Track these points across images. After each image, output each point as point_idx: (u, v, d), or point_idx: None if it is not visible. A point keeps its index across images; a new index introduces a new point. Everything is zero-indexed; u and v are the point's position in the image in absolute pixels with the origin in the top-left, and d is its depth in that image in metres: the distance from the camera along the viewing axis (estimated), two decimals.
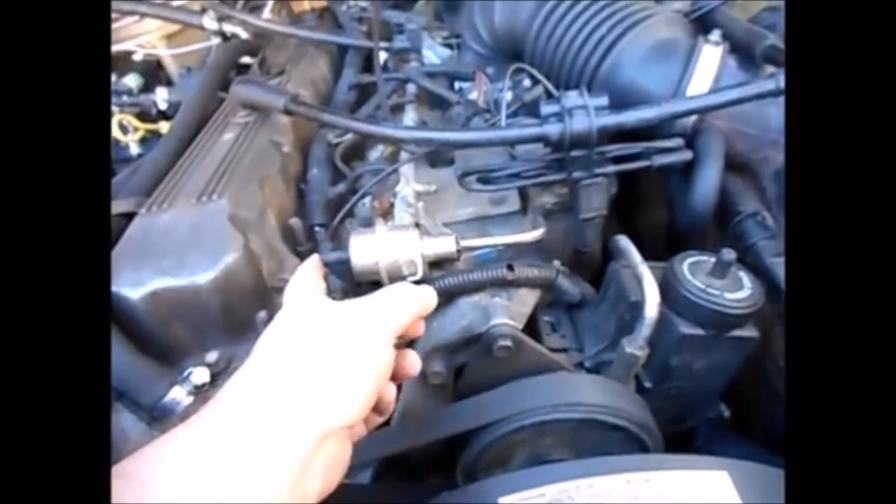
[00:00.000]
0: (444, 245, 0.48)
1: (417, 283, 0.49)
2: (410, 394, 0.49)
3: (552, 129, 0.48)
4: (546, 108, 0.49)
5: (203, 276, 0.45)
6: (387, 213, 0.58)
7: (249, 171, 0.56)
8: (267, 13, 1.00)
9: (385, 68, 0.86)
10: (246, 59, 0.88)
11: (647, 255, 0.48)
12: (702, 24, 0.61)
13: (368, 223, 0.54)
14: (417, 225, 0.50)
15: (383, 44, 0.86)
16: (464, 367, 0.48)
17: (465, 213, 0.59)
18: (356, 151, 0.68)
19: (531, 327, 0.52)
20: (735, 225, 0.54)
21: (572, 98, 0.48)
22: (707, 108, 0.46)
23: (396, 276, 0.48)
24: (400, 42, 0.86)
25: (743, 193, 0.54)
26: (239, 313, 0.47)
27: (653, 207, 0.73)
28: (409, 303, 0.36)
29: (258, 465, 0.27)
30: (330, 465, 0.30)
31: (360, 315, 0.33)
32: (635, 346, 0.44)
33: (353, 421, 0.30)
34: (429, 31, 0.91)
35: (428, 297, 0.38)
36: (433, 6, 1.07)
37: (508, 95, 0.64)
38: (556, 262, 0.51)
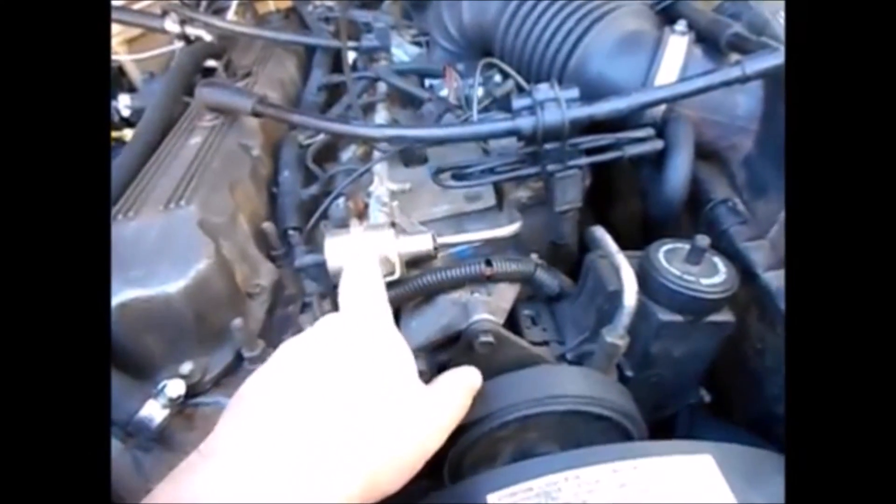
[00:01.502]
0: (421, 243, 0.48)
1: (395, 282, 0.48)
2: None
3: (525, 122, 0.47)
4: (518, 102, 0.49)
5: (174, 285, 0.44)
6: (362, 214, 0.57)
7: (219, 176, 0.54)
8: (231, 15, 0.98)
9: (354, 68, 0.86)
10: (211, 63, 0.86)
11: (622, 246, 0.49)
12: (666, 16, 0.61)
13: (343, 224, 0.53)
14: (393, 224, 0.50)
15: (351, 43, 0.85)
16: (446, 365, 0.48)
17: (440, 211, 0.58)
18: (328, 152, 0.67)
19: (511, 322, 0.51)
20: (707, 212, 0.54)
21: (543, 91, 0.48)
22: (676, 96, 0.46)
23: None
24: (368, 41, 0.85)
25: (713, 181, 0.55)
26: (213, 322, 0.46)
27: (626, 199, 0.74)
28: (466, 403, 0.37)
29: None
30: None
31: (426, 414, 0.34)
32: (615, 336, 0.44)
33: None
34: (397, 30, 0.91)
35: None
36: (400, 5, 1.06)
37: (479, 91, 0.64)
38: (534, 256, 0.51)
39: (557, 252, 0.59)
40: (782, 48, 0.45)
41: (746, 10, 0.55)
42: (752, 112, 0.52)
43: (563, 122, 0.47)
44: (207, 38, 0.86)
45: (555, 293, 0.52)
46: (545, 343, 0.50)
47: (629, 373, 0.48)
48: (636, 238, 0.63)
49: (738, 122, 0.52)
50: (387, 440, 0.30)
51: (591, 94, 0.57)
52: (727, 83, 0.45)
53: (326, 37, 0.90)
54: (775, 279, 0.47)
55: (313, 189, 0.61)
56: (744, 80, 0.45)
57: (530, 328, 0.51)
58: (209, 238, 0.47)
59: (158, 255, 0.45)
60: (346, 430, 0.29)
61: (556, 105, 0.47)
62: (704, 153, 0.55)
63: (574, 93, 0.49)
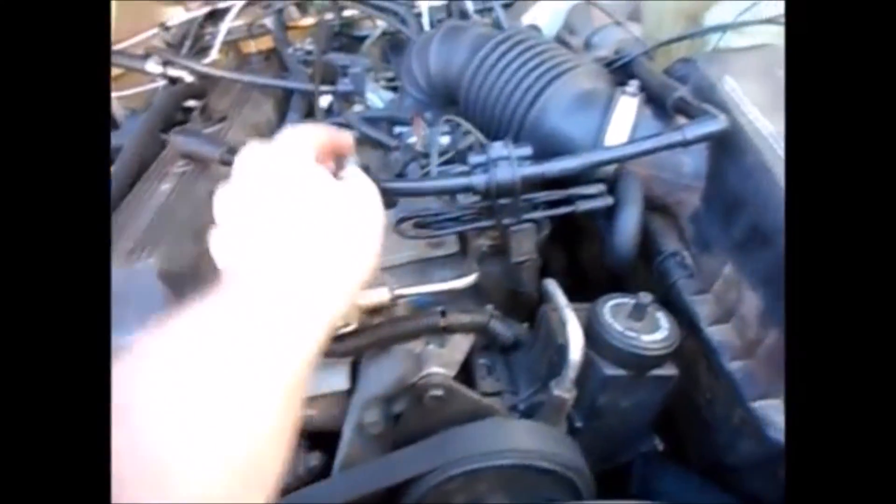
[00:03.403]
0: (378, 296, 0.49)
1: (352, 332, 0.49)
2: (349, 444, 0.49)
3: (478, 179, 0.49)
4: (473, 159, 0.51)
5: (134, 337, 0.45)
6: None
7: (185, 225, 0.55)
8: (214, 54, 1.00)
9: (330, 112, 0.88)
10: (191, 102, 0.88)
11: (591, 286, 0.50)
12: (623, 74, 0.64)
13: None
14: None
15: (327, 87, 0.88)
16: (401, 415, 0.49)
17: (403, 257, 0.60)
18: None
19: (466, 371, 0.53)
20: (658, 264, 0.56)
21: (497, 149, 0.51)
22: (623, 157, 0.49)
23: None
24: (343, 85, 0.87)
25: (664, 233, 0.58)
26: None
27: (594, 240, 0.76)
28: None
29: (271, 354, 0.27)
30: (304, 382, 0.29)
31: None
32: (562, 389, 0.45)
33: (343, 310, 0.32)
34: (375, 72, 0.93)
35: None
36: (380, 47, 1.09)
37: (445, 140, 0.66)
38: (490, 307, 0.53)
39: (517, 299, 0.60)
40: (721, 116, 0.47)
41: (694, 72, 0.58)
42: (697, 171, 0.54)
43: (515, 179, 0.49)
44: (189, 79, 0.89)
45: (510, 343, 0.53)
46: (498, 393, 0.51)
47: (579, 423, 0.49)
48: (605, 278, 0.65)
49: (684, 179, 0.55)
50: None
51: (546, 148, 0.60)
52: (670, 146, 0.48)
53: (305, 80, 0.92)
54: (717, 334, 0.49)
55: None
56: (685, 143, 0.48)
57: (485, 378, 0.52)
58: (170, 289, 0.48)
59: (119, 307, 0.46)
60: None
61: (508, 163, 0.49)
62: (655, 207, 0.58)
63: (527, 150, 0.51)
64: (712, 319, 0.50)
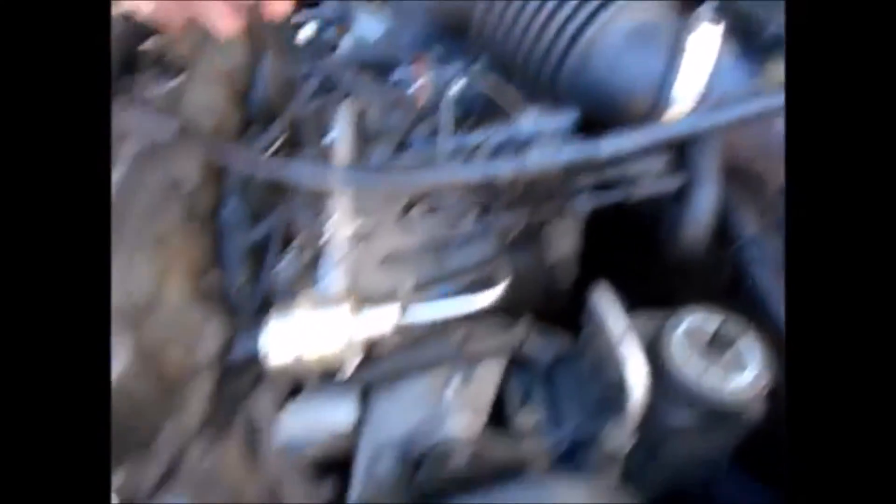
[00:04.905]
0: (383, 321, 0.40)
1: (360, 364, 0.41)
2: (362, 487, 0.42)
3: (504, 168, 0.37)
4: (495, 137, 0.39)
5: None
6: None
7: (140, 232, 0.45)
8: None
9: (315, 44, 0.72)
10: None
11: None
12: None
13: (292, 290, 0.44)
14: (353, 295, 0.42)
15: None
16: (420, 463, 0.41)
17: (415, 241, 0.49)
18: None
19: (498, 397, 0.44)
20: (735, 250, 0.45)
21: (528, 121, 0.38)
22: (703, 131, 0.36)
23: (328, 369, 0.40)
24: (328, 9, 0.71)
25: (742, 212, 0.45)
26: (142, 429, 0.39)
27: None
28: None
29: None
30: None
31: None
32: (617, 442, 0.36)
33: None
34: None
35: None
36: None
37: (458, 85, 0.52)
38: (522, 325, 0.43)
39: (552, 294, 0.50)
40: None
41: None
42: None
43: (554, 168, 0.36)
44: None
45: (549, 363, 0.44)
46: (537, 430, 0.42)
47: (633, 466, 0.41)
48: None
49: (775, 146, 0.41)
50: None
51: (595, 98, 0.46)
52: (768, 113, 0.34)
53: None
54: None
55: (264, 227, 0.51)
56: None
57: (520, 410, 0.43)
58: (125, 332, 0.38)
59: None
60: None
61: (544, 144, 0.37)
62: (733, 175, 0.45)
63: (569, 118, 0.38)
64: None
